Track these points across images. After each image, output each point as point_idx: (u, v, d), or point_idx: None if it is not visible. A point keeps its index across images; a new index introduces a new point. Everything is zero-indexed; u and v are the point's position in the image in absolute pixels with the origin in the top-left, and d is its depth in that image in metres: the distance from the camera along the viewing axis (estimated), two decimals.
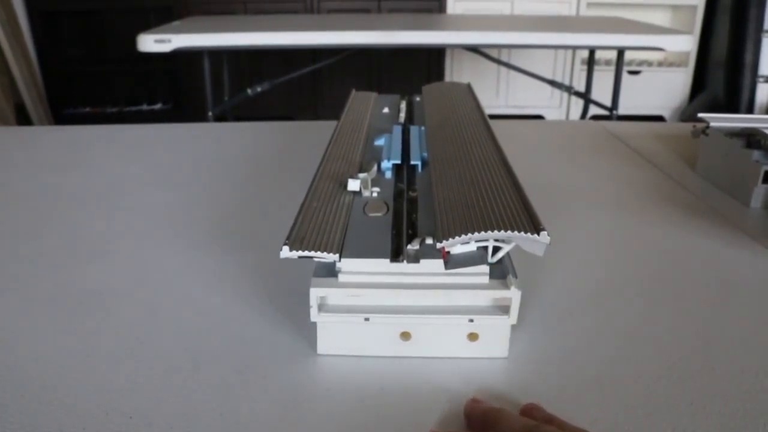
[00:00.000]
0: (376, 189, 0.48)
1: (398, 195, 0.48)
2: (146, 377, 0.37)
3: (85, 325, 0.43)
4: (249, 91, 2.03)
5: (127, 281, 0.49)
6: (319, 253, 0.37)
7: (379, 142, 0.59)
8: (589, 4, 2.81)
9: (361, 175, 0.47)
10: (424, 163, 0.53)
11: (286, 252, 0.36)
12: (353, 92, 0.78)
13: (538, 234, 0.36)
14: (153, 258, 0.53)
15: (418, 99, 0.79)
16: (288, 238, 0.37)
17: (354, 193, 0.46)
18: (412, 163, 0.53)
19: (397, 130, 0.61)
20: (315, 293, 0.37)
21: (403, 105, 0.75)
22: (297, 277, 0.50)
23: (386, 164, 0.52)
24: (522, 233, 0.36)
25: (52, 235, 0.58)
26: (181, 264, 0.52)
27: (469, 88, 0.79)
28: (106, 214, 0.62)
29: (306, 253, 0.37)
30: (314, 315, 0.38)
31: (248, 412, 0.34)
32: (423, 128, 0.63)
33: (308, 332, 0.42)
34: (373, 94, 0.78)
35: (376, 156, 0.55)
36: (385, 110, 0.72)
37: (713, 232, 0.59)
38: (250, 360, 0.39)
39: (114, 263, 0.52)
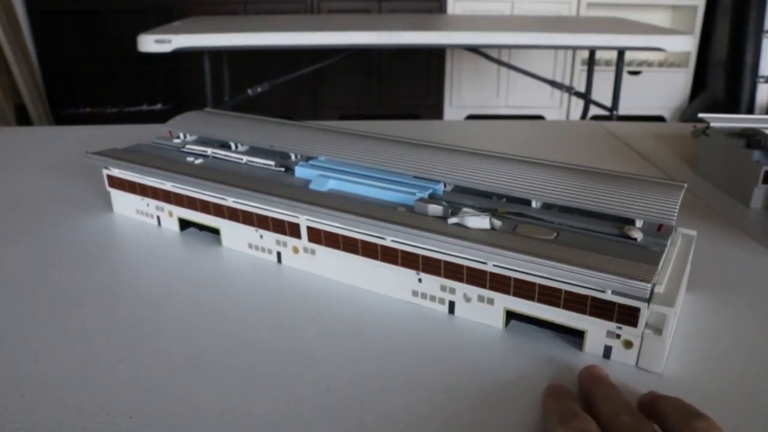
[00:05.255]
0: (485, 216, 0.43)
1: (497, 215, 0.44)
2: (146, 377, 0.37)
3: (85, 325, 0.43)
4: (249, 91, 2.03)
5: (128, 281, 0.49)
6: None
7: (340, 186, 0.51)
8: (589, 4, 2.81)
9: (468, 209, 0.43)
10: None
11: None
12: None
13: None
14: (153, 257, 0.53)
15: (180, 138, 0.65)
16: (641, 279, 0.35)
17: (488, 230, 0.42)
18: (436, 186, 0.49)
19: (303, 170, 0.53)
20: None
21: (197, 146, 0.61)
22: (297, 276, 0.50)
23: (437, 189, 0.49)
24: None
25: (52, 235, 0.58)
26: (182, 263, 0.52)
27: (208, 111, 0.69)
28: (106, 213, 0.62)
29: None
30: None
31: (248, 412, 0.34)
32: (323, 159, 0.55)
33: (308, 331, 0.42)
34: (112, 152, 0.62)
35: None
36: (193, 160, 0.58)
37: (713, 232, 0.59)
38: (250, 360, 0.39)
39: (115, 262, 0.52)
